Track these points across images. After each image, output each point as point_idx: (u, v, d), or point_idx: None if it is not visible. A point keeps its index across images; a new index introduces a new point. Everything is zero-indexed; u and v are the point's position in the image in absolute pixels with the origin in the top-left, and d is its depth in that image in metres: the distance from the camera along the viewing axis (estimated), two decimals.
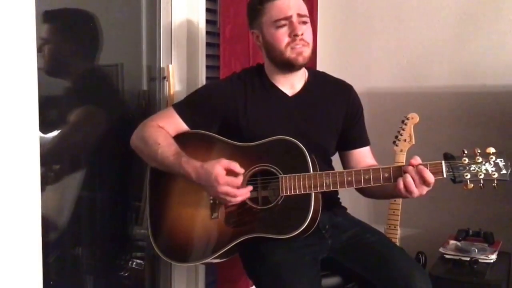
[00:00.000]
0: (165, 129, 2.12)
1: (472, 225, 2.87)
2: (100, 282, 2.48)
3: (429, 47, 3.20)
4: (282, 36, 2.10)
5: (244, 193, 1.96)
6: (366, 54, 3.36)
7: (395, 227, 2.72)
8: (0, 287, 1.65)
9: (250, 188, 1.98)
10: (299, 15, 2.11)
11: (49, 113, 2.11)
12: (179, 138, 2.12)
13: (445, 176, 1.86)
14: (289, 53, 2.11)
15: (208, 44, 2.71)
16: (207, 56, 2.71)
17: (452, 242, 2.78)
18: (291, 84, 2.23)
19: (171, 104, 2.23)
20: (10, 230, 1.67)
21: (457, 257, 2.65)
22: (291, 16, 2.10)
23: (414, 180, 1.86)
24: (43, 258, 1.80)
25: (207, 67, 2.72)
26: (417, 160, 1.89)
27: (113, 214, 2.50)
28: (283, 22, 2.10)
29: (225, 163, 1.93)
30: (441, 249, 2.73)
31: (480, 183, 1.84)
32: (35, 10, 1.69)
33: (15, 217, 1.68)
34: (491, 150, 1.85)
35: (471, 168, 1.84)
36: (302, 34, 2.10)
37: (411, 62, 3.25)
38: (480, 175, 1.83)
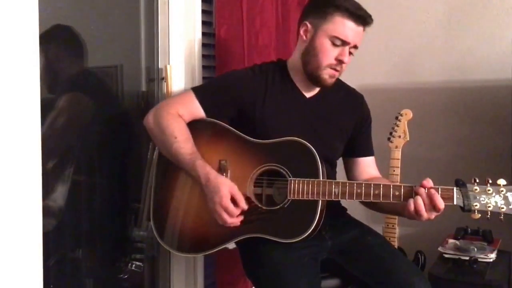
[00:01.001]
0: (183, 118, 2.11)
1: (470, 223, 2.86)
2: (99, 284, 2.48)
3: (420, 43, 3.22)
4: (330, 54, 2.08)
5: (234, 222, 1.97)
6: (358, 52, 3.34)
7: (393, 226, 2.73)
8: None
9: (240, 219, 1.98)
10: (355, 47, 2.11)
11: (49, 114, 2.10)
12: (194, 124, 2.12)
13: (455, 203, 1.85)
14: (324, 72, 2.10)
15: (204, 45, 2.72)
16: (203, 56, 2.72)
17: (451, 241, 2.78)
18: (310, 86, 2.22)
19: (191, 88, 2.23)
20: (10, 232, 1.66)
21: (457, 257, 2.65)
22: (349, 43, 2.08)
23: (424, 204, 1.85)
24: (43, 261, 1.79)
25: (204, 67, 2.73)
26: (429, 182, 1.87)
27: (112, 216, 2.49)
28: (339, 42, 2.07)
29: (235, 191, 1.95)
30: (440, 248, 2.72)
31: (488, 214, 1.84)
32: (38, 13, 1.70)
33: (15, 220, 1.67)
34: (502, 182, 1.84)
35: (481, 199, 1.83)
36: (345, 63, 2.10)
37: (402, 58, 3.27)
38: (489, 206, 1.82)
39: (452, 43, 3.12)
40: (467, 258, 2.60)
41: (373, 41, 3.32)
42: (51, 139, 2.15)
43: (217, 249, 2.05)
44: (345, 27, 2.06)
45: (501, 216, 1.83)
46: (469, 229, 2.84)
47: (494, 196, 1.83)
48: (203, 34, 2.71)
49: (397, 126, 2.67)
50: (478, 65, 3.05)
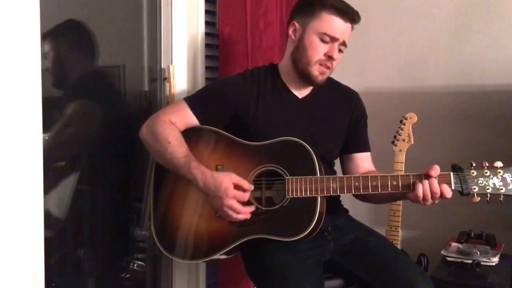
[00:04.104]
0: (176, 126, 2.11)
1: (474, 227, 2.86)
2: (101, 283, 2.47)
3: (426, 47, 3.21)
4: (319, 50, 2.10)
5: (247, 211, 1.96)
6: (363, 55, 3.36)
7: (396, 228, 2.72)
8: None
9: (253, 208, 1.98)
10: (343, 43, 2.12)
11: (52, 114, 2.10)
12: (187, 133, 2.11)
13: (453, 187, 1.87)
14: (314, 69, 2.12)
15: (207, 45, 2.72)
16: (206, 57, 2.72)
17: (454, 244, 2.77)
18: (302, 86, 2.23)
19: (183, 98, 2.23)
20: (13, 232, 1.66)
21: (459, 260, 2.64)
22: (337, 39, 2.09)
23: (423, 190, 1.87)
24: (45, 259, 1.79)
25: (206, 67, 2.73)
26: (436, 170, 1.89)
27: (114, 216, 2.50)
28: (327, 39, 2.09)
29: (235, 178, 1.95)
30: (443, 252, 2.71)
31: (487, 197, 1.84)
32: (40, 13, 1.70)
33: (17, 219, 1.67)
34: (499, 164, 1.85)
35: (479, 181, 1.84)
36: (334, 60, 2.12)
37: (408, 62, 3.26)
38: (488, 189, 1.83)
39: (458, 47, 3.11)
40: (470, 261, 2.60)
41: (379, 44, 3.33)
42: (59, 146, 2.17)
43: (220, 253, 2.04)
44: (332, 23, 2.08)
45: (500, 197, 1.84)
46: (472, 233, 2.83)
47: (492, 178, 1.84)
48: (206, 34, 2.70)
49: (402, 129, 2.67)
50: (484, 70, 3.04)
